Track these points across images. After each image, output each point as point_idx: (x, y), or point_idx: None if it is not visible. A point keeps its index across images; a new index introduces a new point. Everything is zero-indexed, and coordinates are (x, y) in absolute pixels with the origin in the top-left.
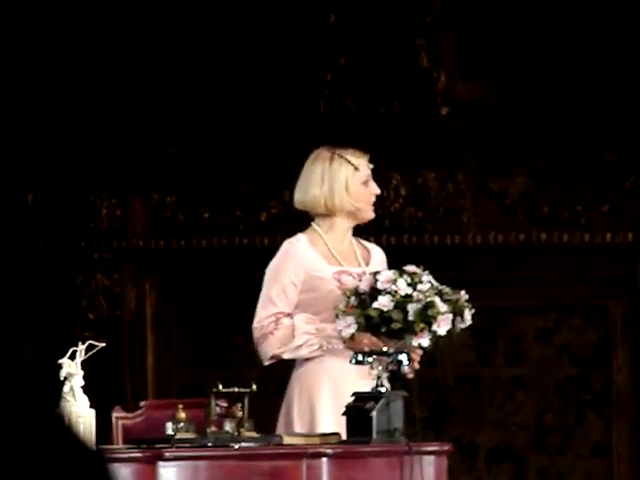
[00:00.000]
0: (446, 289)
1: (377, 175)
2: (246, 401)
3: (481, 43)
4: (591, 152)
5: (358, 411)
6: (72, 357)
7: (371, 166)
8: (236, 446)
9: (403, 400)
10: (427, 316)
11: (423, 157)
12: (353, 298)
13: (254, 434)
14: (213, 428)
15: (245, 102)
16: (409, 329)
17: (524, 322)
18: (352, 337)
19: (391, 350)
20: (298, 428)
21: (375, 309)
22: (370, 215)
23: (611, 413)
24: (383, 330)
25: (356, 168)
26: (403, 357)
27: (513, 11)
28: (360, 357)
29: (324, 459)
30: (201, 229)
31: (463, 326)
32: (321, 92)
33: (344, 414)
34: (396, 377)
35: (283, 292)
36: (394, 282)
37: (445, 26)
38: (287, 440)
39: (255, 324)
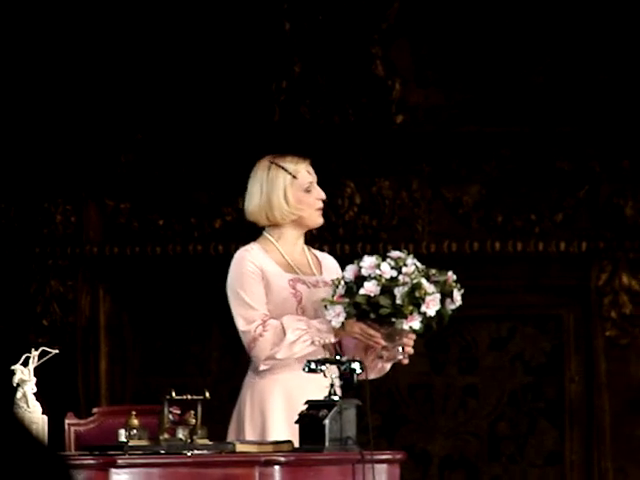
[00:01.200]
0: (432, 271)
1: (331, 183)
2: (199, 408)
3: (436, 51)
4: (545, 161)
5: (311, 419)
6: (25, 363)
7: (312, 171)
8: (189, 453)
9: (356, 408)
10: (415, 298)
11: (378, 165)
12: (340, 287)
13: (207, 442)
14: (166, 435)
15: (200, 109)
16: (398, 313)
17: (477, 331)
18: (342, 327)
19: (345, 358)
20: (249, 435)
21: (362, 295)
22: (317, 220)
23: (564, 422)
24: (373, 317)
25: (294, 176)
26: (356, 365)
27: (468, 20)
28: (313, 365)
29: (277, 467)
30: (155, 236)
31: (453, 307)
32: (276, 99)
33: (297, 422)
34: (349, 385)
35: (254, 294)
36: (377, 267)
37: (400, 34)
38: (240, 448)
39: (242, 328)
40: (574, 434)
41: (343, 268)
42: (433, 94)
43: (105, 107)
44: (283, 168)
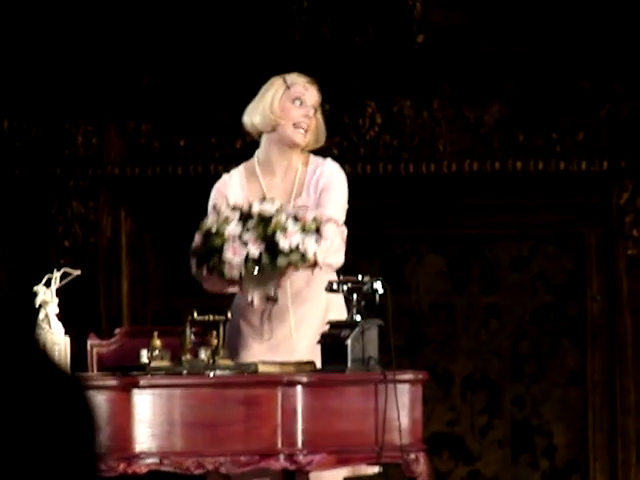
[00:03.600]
0: (293, 224)
1: (352, 103)
2: (221, 329)
3: None
4: (566, 80)
5: (333, 339)
6: (47, 284)
7: (311, 91)
8: (211, 374)
9: (378, 328)
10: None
11: (399, 85)
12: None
13: (229, 362)
14: (188, 356)
15: (221, 29)
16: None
17: (499, 250)
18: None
19: (367, 278)
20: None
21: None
22: (294, 138)
23: (586, 341)
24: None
25: (288, 87)
26: (378, 285)
27: None
28: (335, 286)
29: (299, 387)
30: (177, 156)
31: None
32: (297, 20)
33: (319, 342)
34: (371, 305)
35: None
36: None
37: None
38: (262, 368)
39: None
40: (596, 353)
41: (365, 187)
42: (454, 13)
43: (125, 28)
44: (284, 79)
